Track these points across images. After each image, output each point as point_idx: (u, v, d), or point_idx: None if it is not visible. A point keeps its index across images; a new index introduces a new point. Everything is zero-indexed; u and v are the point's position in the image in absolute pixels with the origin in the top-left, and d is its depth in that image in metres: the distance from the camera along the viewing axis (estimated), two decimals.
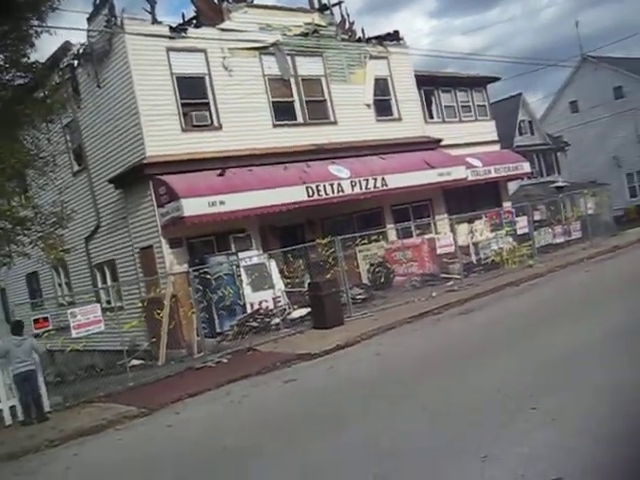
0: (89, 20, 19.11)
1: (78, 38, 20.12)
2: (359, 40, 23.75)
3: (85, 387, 13.33)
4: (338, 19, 23.44)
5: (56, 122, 18.57)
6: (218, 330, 16.95)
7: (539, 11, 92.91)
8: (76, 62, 20.32)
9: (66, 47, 20.29)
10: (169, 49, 18.64)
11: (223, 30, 19.82)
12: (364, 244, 20.40)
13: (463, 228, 22.38)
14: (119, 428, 10.48)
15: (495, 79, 30.63)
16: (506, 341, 11.11)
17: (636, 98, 43.33)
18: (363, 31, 24.09)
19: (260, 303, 17.35)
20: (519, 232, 23.29)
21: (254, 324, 16.81)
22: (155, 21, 18.73)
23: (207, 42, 19.32)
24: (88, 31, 19.04)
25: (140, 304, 17.72)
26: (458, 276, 20.17)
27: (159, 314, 16.31)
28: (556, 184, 35.95)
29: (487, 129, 29.08)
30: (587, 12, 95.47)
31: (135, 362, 16.07)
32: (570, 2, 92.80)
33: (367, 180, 20.73)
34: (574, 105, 47.69)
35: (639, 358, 8.17)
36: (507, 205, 27.49)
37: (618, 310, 11.52)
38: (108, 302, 19.57)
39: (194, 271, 15.85)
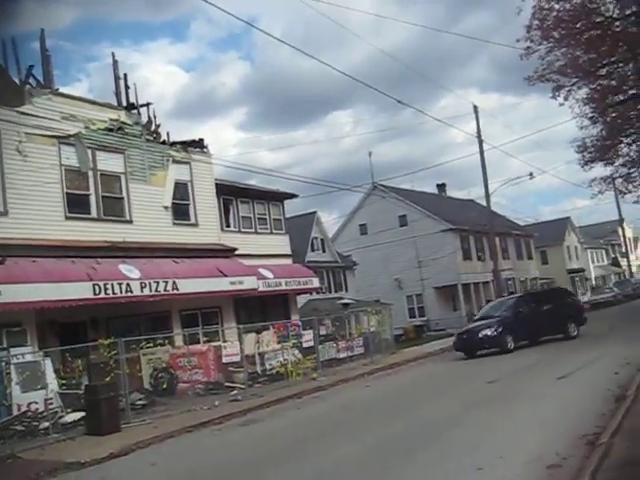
0: None
1: None
2: (164, 143, 23.89)
3: None
4: (145, 119, 23.51)
5: None
6: None
7: (340, 138, 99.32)
8: None
9: None
10: None
11: (22, 113, 19.07)
12: (149, 347, 19.82)
13: (251, 338, 22.49)
14: None
15: (292, 195, 31.84)
16: (281, 455, 11.05)
17: (418, 227, 47.13)
18: (168, 135, 24.32)
19: (29, 405, 15.98)
20: (305, 345, 23.81)
21: (19, 428, 15.41)
22: None
23: (2, 123, 18.45)
24: None
25: None
26: (243, 386, 20.03)
27: None
28: (343, 301, 37.48)
29: (281, 242, 30.02)
30: (381, 145, 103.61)
31: None
32: (368, 135, 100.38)
33: (157, 282, 20.36)
34: (363, 227, 50.81)
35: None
36: (295, 318, 28.13)
37: (386, 425, 12.19)
38: None
39: None
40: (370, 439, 11.07)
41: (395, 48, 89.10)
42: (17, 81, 19.87)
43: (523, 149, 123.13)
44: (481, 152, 37.59)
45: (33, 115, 19.22)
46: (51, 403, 16.10)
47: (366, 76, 79.87)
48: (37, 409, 15.97)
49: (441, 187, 59.50)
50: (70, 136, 20.32)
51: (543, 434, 9.68)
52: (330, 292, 42.50)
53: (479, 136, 37.63)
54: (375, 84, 49.49)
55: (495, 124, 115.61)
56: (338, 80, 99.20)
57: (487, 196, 38.23)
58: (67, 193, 20.09)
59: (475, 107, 38.13)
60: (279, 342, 23.85)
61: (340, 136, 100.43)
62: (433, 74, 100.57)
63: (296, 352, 23.60)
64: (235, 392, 19.75)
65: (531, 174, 41.78)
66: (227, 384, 20.72)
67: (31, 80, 20.29)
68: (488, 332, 23.65)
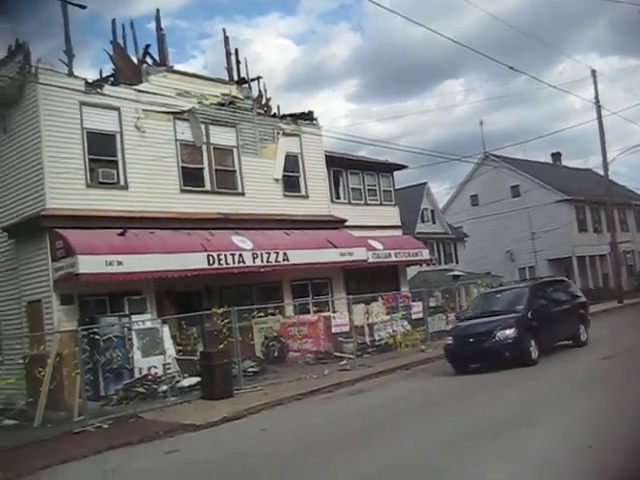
0: (1, 63, 18.75)
1: None
2: (274, 116, 24.28)
3: None
4: (256, 93, 23.93)
5: None
6: (102, 394, 16.35)
7: (451, 107, 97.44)
8: None
9: None
10: (82, 103, 18.46)
11: (140, 91, 19.83)
12: (261, 317, 20.39)
13: (360, 308, 22.67)
14: None
15: (402, 166, 31.69)
16: (388, 425, 11.19)
17: (531, 198, 45.83)
18: (279, 108, 24.73)
19: (149, 369, 16.85)
20: (414, 317, 23.77)
21: (141, 390, 16.29)
22: (71, 74, 18.56)
23: (122, 101, 19.25)
24: None
25: (21, 360, 16.92)
26: (351, 356, 20.25)
27: (41, 372, 15.62)
28: (453, 273, 37.09)
29: (391, 214, 29.99)
30: (493, 114, 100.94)
31: (8, 422, 15.24)
32: (479, 103, 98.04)
33: (269, 253, 20.84)
34: (474, 198, 49.88)
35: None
36: (405, 289, 28.11)
37: (495, 402, 12.04)
38: None
39: (83, 330, 15.35)
40: (479, 414, 10.98)
41: (509, 12, 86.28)
42: (135, 60, 20.65)
43: None
44: (599, 119, 36.17)
45: (150, 92, 19.94)
46: (169, 368, 16.88)
47: (478, 43, 77.74)
48: (156, 373, 16.81)
49: (556, 156, 57.43)
50: (184, 111, 20.97)
51: None
52: (440, 264, 42.17)
53: (597, 102, 36.21)
54: (488, 51, 48.22)
55: (615, 89, 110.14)
56: (450, 48, 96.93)
57: (605, 165, 36.81)
58: (182, 167, 20.81)
59: (593, 72, 36.65)
60: (388, 313, 23.95)
61: (451, 105, 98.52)
62: (549, 38, 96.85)
63: (405, 323, 23.63)
64: (344, 362, 20.04)
65: None
66: (336, 354, 21.03)
67: (147, 59, 21.03)
68: (508, 333, 16.12)
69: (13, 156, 18.60)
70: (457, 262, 44.13)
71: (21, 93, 18.20)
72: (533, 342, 16.25)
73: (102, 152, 18.88)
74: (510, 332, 16.09)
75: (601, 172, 38.98)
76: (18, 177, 18.43)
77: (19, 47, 18.41)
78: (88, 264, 16.47)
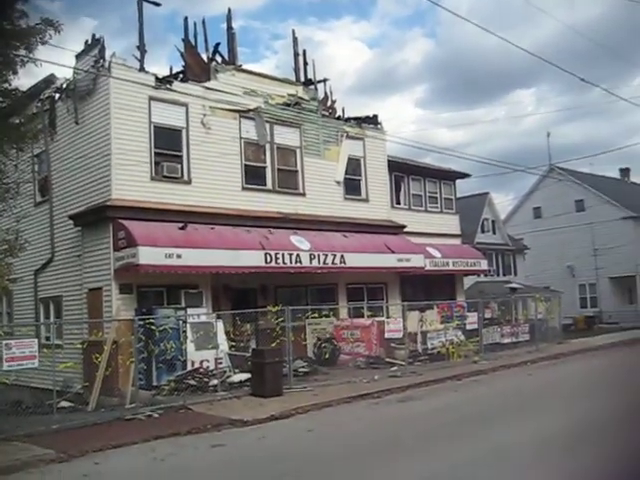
0: (77, 57, 19.27)
1: (63, 73, 20.23)
2: (339, 118, 24.35)
3: (6, 424, 12.76)
4: (322, 95, 24.04)
5: (26, 151, 18.51)
6: (155, 383, 16.61)
7: (520, 117, 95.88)
8: (57, 95, 20.46)
9: (50, 80, 20.47)
10: (152, 98, 18.86)
11: (208, 88, 20.14)
12: (314, 318, 20.37)
13: (414, 315, 22.52)
14: (32, 471, 10.02)
15: (465, 175, 31.40)
16: (436, 434, 11.10)
17: (595, 213, 44.74)
18: (343, 110, 24.77)
19: (201, 362, 17.11)
20: (468, 327, 23.49)
21: (192, 382, 16.53)
22: (142, 69, 18.98)
23: (190, 97, 19.59)
24: (74, 68, 19.17)
25: (80, 345, 17.35)
26: (403, 362, 20.18)
27: (97, 358, 16.00)
28: (511, 285, 36.59)
29: (451, 222, 29.79)
30: (564, 126, 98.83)
31: (64, 404, 15.66)
32: (550, 115, 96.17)
33: (326, 255, 20.89)
34: (537, 211, 49.03)
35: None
36: (460, 299, 27.85)
37: (546, 417, 11.77)
38: (47, 338, 19.16)
39: (139, 320, 15.66)
40: (528, 430, 10.80)
41: (589, 22, 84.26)
42: (205, 58, 20.97)
43: None
44: None
45: (217, 90, 20.22)
46: (221, 362, 17.09)
47: (555, 52, 75.52)
48: (208, 367, 17.06)
49: (624, 172, 55.86)
50: (250, 110, 21.20)
51: None
52: (498, 275, 41.56)
53: None
54: (564, 60, 46.81)
55: None
56: (524, 58, 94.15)
57: None
58: (245, 165, 21.05)
59: None
60: (442, 322, 23.75)
61: (520, 115, 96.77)
62: (629, 50, 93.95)
63: (459, 333, 23.40)
64: (395, 368, 19.97)
65: None
66: (388, 359, 20.98)
67: (217, 57, 21.32)
68: None
69: (83, 146, 19.15)
70: (516, 274, 43.43)
71: (94, 86, 18.72)
72: None
73: (168, 146, 19.25)
74: None
75: None
76: (86, 167, 18.95)
77: (95, 42, 18.94)
78: (148, 255, 16.81)
